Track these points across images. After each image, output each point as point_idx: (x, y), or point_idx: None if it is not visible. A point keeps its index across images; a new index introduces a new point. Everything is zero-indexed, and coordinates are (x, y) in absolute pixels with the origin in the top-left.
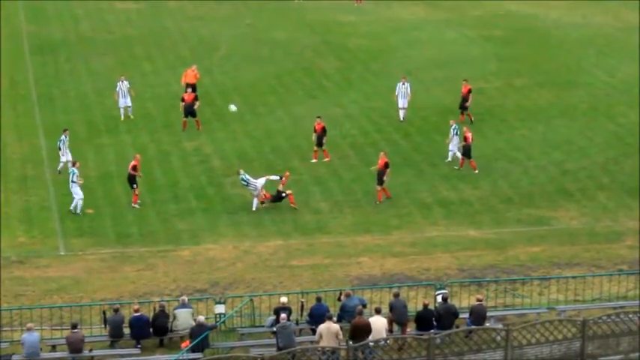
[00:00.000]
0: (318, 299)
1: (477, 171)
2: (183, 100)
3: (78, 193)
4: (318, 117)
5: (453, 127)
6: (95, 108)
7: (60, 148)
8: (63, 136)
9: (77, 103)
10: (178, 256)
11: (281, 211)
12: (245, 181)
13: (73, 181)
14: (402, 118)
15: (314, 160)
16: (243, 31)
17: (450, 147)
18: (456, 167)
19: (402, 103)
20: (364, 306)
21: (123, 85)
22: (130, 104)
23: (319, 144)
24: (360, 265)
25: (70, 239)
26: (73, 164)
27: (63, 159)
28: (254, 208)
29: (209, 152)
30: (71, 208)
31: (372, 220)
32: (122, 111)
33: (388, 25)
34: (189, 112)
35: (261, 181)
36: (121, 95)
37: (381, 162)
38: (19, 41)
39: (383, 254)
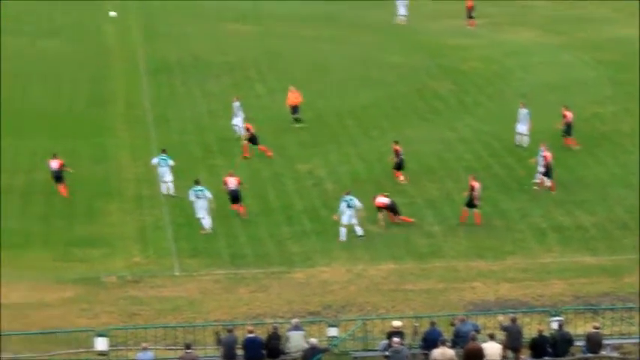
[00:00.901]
0: (432, 324)
1: (554, 192)
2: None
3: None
4: (396, 141)
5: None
6: (209, 129)
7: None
8: (162, 156)
9: (192, 124)
10: (292, 278)
11: (394, 234)
12: (347, 202)
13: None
14: (516, 143)
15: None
16: (356, 53)
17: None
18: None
19: (521, 128)
20: (477, 331)
21: (235, 106)
22: (239, 124)
23: (398, 167)
24: (473, 290)
25: (185, 259)
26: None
27: (166, 179)
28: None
29: (322, 175)
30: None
31: (485, 245)
32: (237, 129)
33: (502, 48)
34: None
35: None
36: (234, 115)
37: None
38: (135, 63)
39: (497, 279)
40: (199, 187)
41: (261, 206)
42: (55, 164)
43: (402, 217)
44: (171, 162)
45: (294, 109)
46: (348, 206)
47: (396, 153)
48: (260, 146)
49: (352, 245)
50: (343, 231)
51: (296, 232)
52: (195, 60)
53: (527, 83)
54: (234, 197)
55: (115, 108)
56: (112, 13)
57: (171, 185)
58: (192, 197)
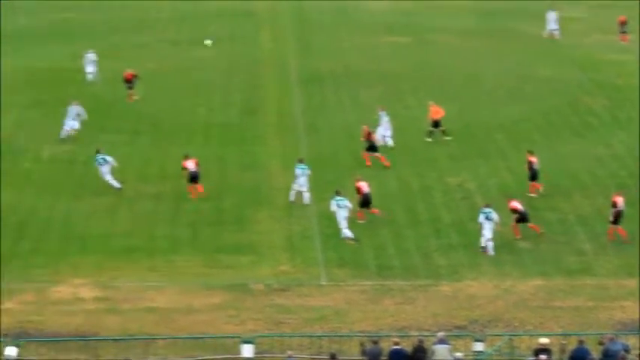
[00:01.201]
0: (580, 342)
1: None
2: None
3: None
4: (530, 151)
5: None
6: (360, 140)
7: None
8: (301, 165)
9: (342, 133)
10: (438, 291)
11: (542, 251)
12: (486, 214)
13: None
14: None
15: None
16: (508, 66)
17: None
18: None
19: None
20: (627, 351)
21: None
22: (387, 134)
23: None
24: (623, 309)
25: (332, 269)
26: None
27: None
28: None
29: (472, 188)
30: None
31: (637, 264)
32: (380, 138)
33: None
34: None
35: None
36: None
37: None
38: (287, 74)
39: None
40: (340, 198)
41: (410, 218)
42: (191, 164)
43: (531, 224)
44: (308, 171)
45: (436, 123)
46: (487, 218)
47: (530, 164)
48: (377, 154)
49: (500, 260)
50: (490, 245)
51: (443, 245)
52: (347, 70)
53: None
54: (366, 201)
55: (266, 117)
56: (208, 42)
57: (307, 195)
58: (333, 207)
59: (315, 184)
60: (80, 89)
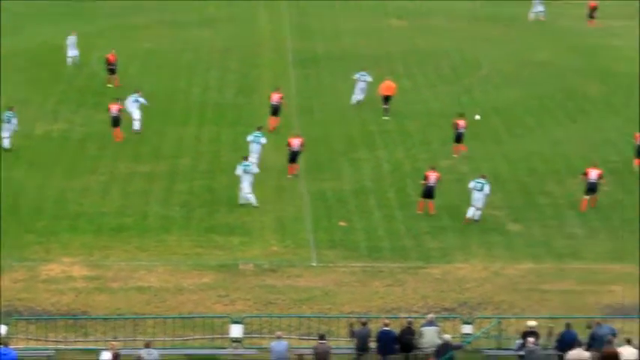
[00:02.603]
0: (568, 325)
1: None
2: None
3: None
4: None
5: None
6: (353, 122)
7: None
8: (257, 133)
9: (336, 116)
10: (428, 273)
11: (532, 234)
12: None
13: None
14: None
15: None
16: (506, 51)
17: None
18: None
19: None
20: (614, 335)
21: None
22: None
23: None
24: (611, 293)
25: (323, 250)
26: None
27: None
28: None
29: (465, 171)
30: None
31: (627, 248)
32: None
33: None
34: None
35: None
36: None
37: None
38: (284, 55)
39: (636, 283)
40: (247, 163)
41: (401, 200)
42: (115, 108)
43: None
44: (263, 140)
45: (386, 99)
46: (479, 190)
47: (456, 126)
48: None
49: (491, 242)
50: (478, 214)
51: (434, 227)
52: (343, 53)
53: None
54: (293, 157)
55: (261, 97)
56: (477, 117)
57: (253, 165)
58: (239, 171)
59: (307, 166)
60: (77, 68)
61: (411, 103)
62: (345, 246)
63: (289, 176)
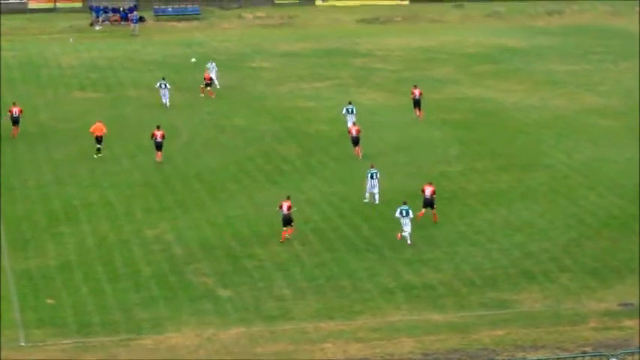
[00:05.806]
0: None
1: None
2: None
3: None
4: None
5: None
6: (56, 197)
7: None
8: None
9: (36, 193)
10: (140, 344)
11: (242, 298)
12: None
13: None
14: (366, 200)
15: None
16: (203, 118)
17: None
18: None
19: (370, 186)
20: None
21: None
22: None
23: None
24: (323, 351)
25: (31, 330)
26: None
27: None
28: None
29: (170, 240)
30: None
31: (335, 306)
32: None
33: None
34: None
35: None
36: None
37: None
38: None
39: (346, 340)
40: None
41: (109, 273)
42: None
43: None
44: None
45: (98, 139)
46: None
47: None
48: None
49: (201, 310)
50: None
51: (144, 298)
52: (41, 128)
53: (374, 144)
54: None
55: None
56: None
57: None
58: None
59: (9, 244)
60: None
61: (112, 175)
62: (54, 323)
63: None
